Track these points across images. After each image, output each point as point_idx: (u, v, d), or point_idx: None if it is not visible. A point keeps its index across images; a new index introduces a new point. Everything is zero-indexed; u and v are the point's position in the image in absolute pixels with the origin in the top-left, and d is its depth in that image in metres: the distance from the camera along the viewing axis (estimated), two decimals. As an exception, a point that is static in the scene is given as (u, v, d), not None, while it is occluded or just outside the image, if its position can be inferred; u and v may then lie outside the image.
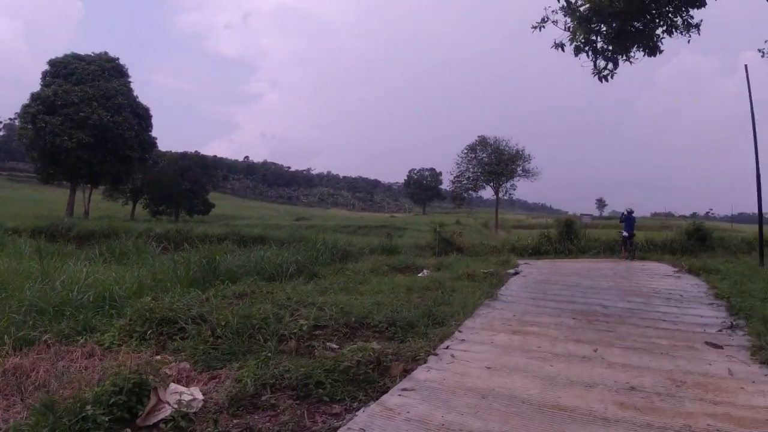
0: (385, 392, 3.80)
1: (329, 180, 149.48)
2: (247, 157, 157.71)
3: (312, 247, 13.23)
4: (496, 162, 38.32)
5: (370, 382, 3.97)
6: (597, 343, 5.43)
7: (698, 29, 7.04)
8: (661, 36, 7.11)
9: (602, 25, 7.13)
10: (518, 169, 38.63)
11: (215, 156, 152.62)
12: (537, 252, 18.41)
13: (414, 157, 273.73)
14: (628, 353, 5.01)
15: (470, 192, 43.86)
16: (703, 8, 6.89)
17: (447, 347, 5.01)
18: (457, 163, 41.85)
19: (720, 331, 5.99)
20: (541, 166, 42.81)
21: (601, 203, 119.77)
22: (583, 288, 9.65)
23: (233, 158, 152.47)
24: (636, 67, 7.30)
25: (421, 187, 77.39)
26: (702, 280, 10.39)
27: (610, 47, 7.24)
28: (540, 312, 7.29)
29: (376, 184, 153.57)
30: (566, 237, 18.81)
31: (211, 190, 63.05)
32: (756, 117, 14.68)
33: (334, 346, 4.92)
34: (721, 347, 5.17)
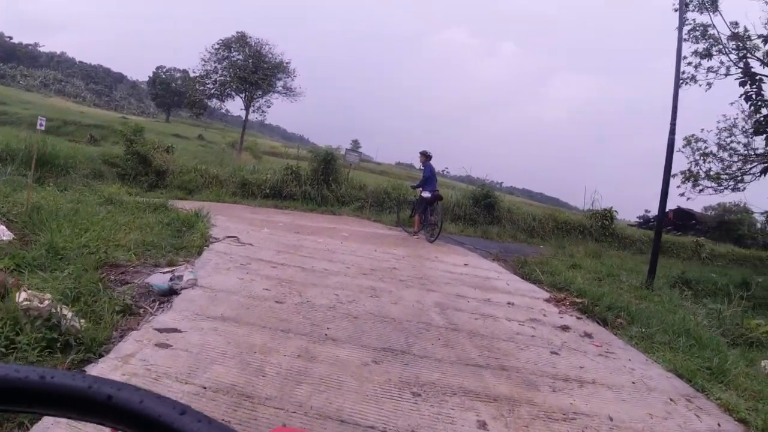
0: None
1: (62, 63, 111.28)
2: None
3: None
4: (253, 68, 29.52)
5: None
6: None
7: None
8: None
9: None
10: (278, 83, 30.91)
11: None
12: (278, 195, 12.27)
13: (169, 56, 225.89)
14: None
15: (215, 100, 32.81)
16: None
17: None
18: (204, 60, 30.98)
19: None
20: (305, 88, 34.36)
21: (356, 145, 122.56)
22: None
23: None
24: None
25: (169, 90, 60.94)
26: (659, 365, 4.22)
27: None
28: None
29: (120, 78, 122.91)
30: (323, 178, 13.17)
31: None
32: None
33: None
34: None
